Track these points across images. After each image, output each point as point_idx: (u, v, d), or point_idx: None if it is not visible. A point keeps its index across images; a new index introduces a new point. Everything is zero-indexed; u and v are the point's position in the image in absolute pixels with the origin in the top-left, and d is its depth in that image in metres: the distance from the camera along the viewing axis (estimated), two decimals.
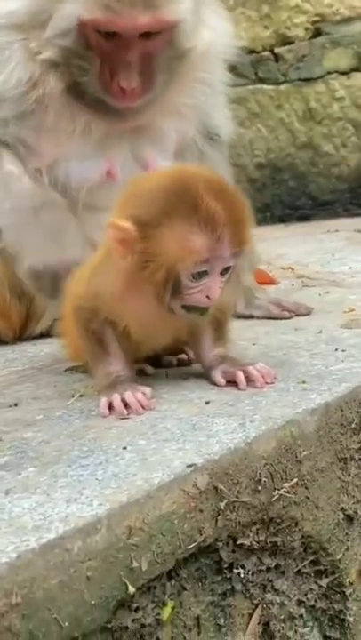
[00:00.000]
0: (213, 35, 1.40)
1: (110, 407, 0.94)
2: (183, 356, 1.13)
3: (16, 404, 1.05)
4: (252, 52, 3.28)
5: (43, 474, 0.79)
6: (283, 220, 3.33)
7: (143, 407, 0.93)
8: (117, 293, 0.97)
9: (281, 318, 1.40)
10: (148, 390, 0.96)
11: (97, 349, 1.01)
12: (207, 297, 0.93)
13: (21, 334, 1.48)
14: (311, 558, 0.90)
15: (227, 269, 0.94)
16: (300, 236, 2.79)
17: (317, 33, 3.22)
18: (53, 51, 1.30)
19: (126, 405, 0.94)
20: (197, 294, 0.93)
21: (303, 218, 3.28)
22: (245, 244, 0.94)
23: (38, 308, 1.47)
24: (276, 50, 3.29)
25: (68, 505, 0.70)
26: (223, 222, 0.91)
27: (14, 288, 1.44)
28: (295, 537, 0.88)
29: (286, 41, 3.27)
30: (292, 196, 3.35)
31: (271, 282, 1.73)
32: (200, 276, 0.92)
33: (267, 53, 3.30)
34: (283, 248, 2.45)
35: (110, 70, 1.29)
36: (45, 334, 1.48)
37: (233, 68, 1.49)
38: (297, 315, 1.41)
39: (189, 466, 0.76)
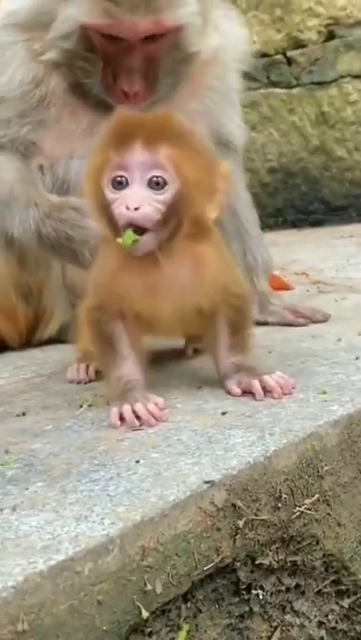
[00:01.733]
0: (225, 40, 1.36)
1: (121, 418, 0.91)
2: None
3: (24, 414, 1.01)
4: (264, 55, 3.25)
5: (51, 489, 0.75)
6: (295, 225, 3.29)
7: (156, 419, 0.89)
8: (113, 272, 0.95)
9: (296, 325, 1.36)
10: (160, 401, 0.92)
11: (108, 350, 0.98)
12: (127, 208, 0.89)
13: (29, 339, 1.44)
14: (332, 578, 0.86)
15: (157, 184, 0.90)
16: (313, 241, 2.75)
17: (330, 36, 3.18)
18: (56, 52, 1.27)
19: (138, 417, 0.90)
20: (119, 207, 0.90)
21: (316, 223, 3.24)
22: (170, 154, 0.90)
23: (47, 309, 1.43)
24: (289, 53, 3.25)
25: (77, 523, 0.66)
26: (135, 128, 0.91)
27: (21, 288, 1.40)
28: (316, 556, 0.83)
29: (299, 44, 3.23)
30: (305, 200, 3.31)
31: (286, 287, 1.69)
32: (120, 185, 0.90)
33: (279, 57, 3.26)
34: (296, 253, 2.41)
35: (113, 73, 1.26)
36: (54, 339, 1.45)
37: (245, 72, 1.46)
38: (313, 321, 1.36)
39: (207, 482, 0.72)
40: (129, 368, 0.96)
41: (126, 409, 0.90)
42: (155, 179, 0.90)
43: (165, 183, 0.90)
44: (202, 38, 1.28)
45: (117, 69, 1.25)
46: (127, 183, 0.90)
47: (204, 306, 0.98)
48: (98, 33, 1.22)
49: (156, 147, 0.90)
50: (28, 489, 0.75)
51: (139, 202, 0.89)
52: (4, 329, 1.41)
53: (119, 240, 0.90)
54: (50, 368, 1.26)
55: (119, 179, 0.90)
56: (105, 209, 0.92)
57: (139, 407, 0.90)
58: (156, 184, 0.90)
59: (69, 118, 1.32)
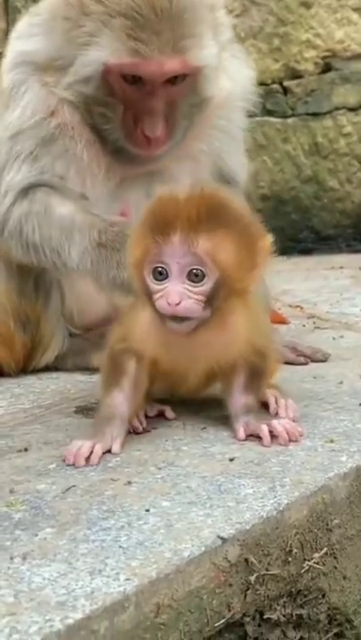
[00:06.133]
0: (233, 83, 1.37)
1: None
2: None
3: (26, 449, 0.99)
4: (260, 84, 3.27)
5: (61, 536, 0.73)
6: (284, 252, 3.29)
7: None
8: (147, 328, 0.95)
9: (296, 364, 1.36)
10: (116, 448, 0.94)
11: (112, 379, 0.98)
12: (168, 303, 0.90)
13: (25, 366, 1.43)
14: (335, 630, 0.85)
15: (197, 276, 0.90)
16: (303, 270, 2.76)
17: (327, 68, 3.22)
18: (75, 96, 1.26)
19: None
20: (161, 299, 0.90)
21: (305, 251, 3.25)
22: (208, 248, 0.89)
23: (44, 337, 1.42)
24: (286, 83, 3.28)
25: (92, 577, 0.65)
26: (173, 215, 0.89)
27: (19, 316, 1.39)
28: (321, 609, 0.83)
29: (296, 75, 3.26)
30: (295, 228, 3.33)
31: (283, 321, 1.70)
32: (160, 275, 0.91)
33: (276, 86, 3.29)
34: (288, 283, 2.42)
35: (134, 118, 1.24)
36: (51, 367, 1.43)
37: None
38: (313, 360, 1.37)
39: (221, 538, 0.71)
40: (120, 401, 0.96)
41: (77, 445, 0.92)
42: (194, 271, 0.90)
43: (204, 275, 0.90)
44: (215, 82, 1.28)
45: (139, 114, 1.23)
46: (167, 274, 0.90)
47: (228, 364, 0.98)
48: (120, 76, 1.21)
49: (193, 239, 0.89)
50: (37, 535, 0.74)
51: (179, 297, 0.89)
52: (1, 356, 1.40)
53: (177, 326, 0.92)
54: (48, 398, 1.25)
55: (160, 269, 0.91)
56: (148, 292, 0.92)
57: (85, 448, 0.92)
58: (195, 276, 0.90)
59: (90, 156, 1.30)
